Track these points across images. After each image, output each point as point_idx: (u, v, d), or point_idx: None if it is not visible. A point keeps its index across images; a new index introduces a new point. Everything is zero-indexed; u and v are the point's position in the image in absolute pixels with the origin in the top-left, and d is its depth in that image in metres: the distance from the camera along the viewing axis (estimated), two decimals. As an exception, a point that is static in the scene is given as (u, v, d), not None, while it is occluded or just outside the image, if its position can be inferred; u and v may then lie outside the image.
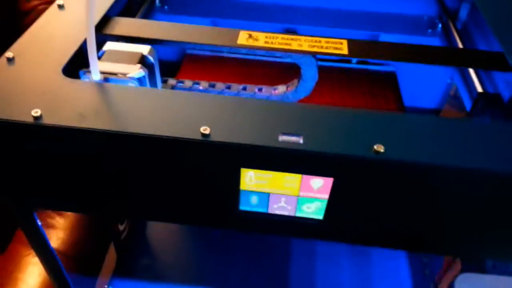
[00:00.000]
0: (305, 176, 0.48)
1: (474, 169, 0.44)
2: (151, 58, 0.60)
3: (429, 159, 0.45)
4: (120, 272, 0.98)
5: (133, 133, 0.46)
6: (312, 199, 0.51)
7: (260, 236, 1.02)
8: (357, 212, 0.51)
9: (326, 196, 0.50)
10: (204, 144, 0.46)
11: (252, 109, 0.50)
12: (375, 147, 0.45)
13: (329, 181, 0.48)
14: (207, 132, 0.46)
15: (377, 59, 0.62)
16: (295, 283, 0.96)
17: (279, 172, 0.48)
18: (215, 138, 0.46)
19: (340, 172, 0.47)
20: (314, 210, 0.53)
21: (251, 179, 0.50)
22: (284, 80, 0.70)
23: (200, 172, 0.49)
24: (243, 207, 0.53)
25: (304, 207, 0.52)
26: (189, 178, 0.51)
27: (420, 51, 0.64)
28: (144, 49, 0.60)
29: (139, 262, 1.02)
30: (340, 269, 0.98)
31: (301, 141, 0.46)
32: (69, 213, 0.90)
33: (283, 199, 0.52)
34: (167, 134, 0.46)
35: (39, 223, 0.60)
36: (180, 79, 0.71)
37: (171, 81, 0.71)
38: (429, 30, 0.83)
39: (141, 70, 0.56)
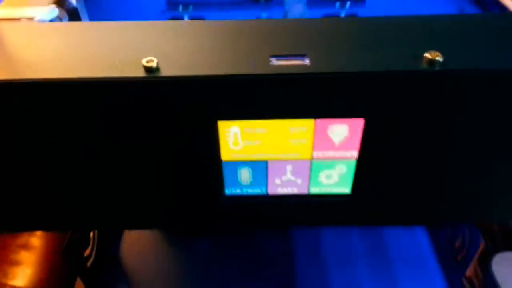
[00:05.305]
0: (319, 122, 0.30)
1: None
2: (72, 1, 0.42)
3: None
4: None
5: (32, 79, 0.28)
6: (332, 162, 0.33)
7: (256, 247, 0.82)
8: (402, 173, 0.34)
9: (354, 153, 0.33)
10: (150, 85, 0.28)
11: (219, 30, 0.32)
12: (427, 55, 0.28)
13: (358, 125, 0.30)
14: (152, 64, 0.27)
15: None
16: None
17: (277, 120, 0.30)
18: (165, 72, 0.28)
19: (375, 105, 0.29)
20: (338, 180, 0.35)
21: (237, 140, 0.32)
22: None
23: (156, 138, 0.31)
24: (229, 190, 0.35)
25: (322, 177, 0.35)
26: (143, 150, 0.32)
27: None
28: (64, -10, 0.42)
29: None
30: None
31: (307, 62, 0.28)
32: (36, 245, 0.72)
33: (289, 168, 0.34)
34: (87, 76, 0.27)
35: None
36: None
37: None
38: None
39: (53, 7, 0.38)
